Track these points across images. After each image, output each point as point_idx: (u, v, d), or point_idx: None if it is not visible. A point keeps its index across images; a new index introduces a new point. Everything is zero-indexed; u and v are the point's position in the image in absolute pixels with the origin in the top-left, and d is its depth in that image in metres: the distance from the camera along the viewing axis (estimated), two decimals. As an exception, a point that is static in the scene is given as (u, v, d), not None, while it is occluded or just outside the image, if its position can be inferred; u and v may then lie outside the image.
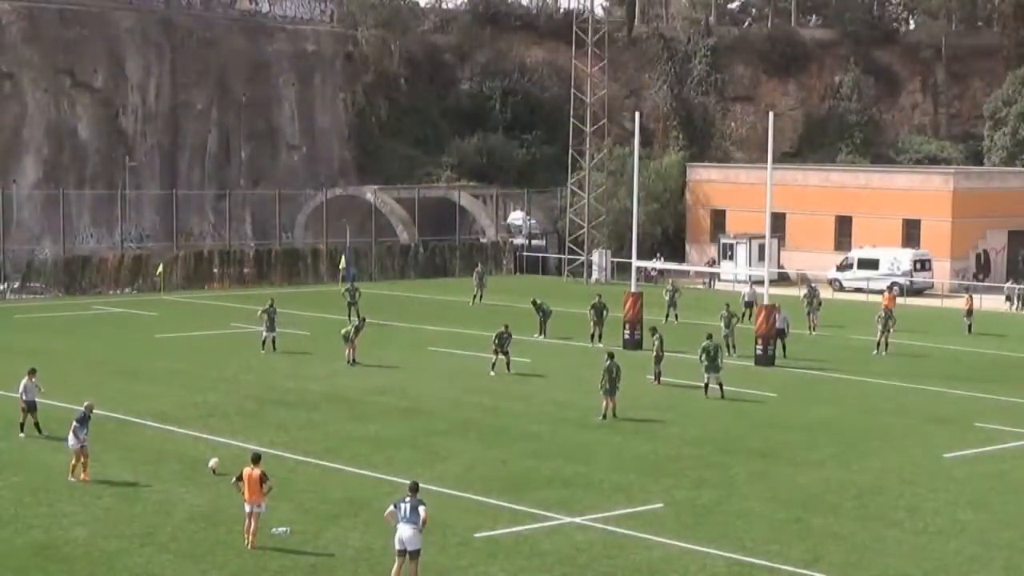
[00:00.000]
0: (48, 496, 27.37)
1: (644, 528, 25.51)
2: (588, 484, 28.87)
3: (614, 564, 23.38)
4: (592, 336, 49.82)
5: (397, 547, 21.85)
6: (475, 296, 63.79)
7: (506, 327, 43.47)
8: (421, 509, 21.74)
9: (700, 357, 39.44)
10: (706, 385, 39.32)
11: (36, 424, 32.85)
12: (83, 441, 28.77)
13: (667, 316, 55.96)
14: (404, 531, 21.75)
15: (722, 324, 47.65)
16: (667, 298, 56.98)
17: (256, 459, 24.44)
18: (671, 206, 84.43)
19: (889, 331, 49.19)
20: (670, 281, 62.23)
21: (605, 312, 49.93)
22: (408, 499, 21.93)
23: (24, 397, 32.89)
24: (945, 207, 74.73)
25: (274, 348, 47.04)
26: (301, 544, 24.28)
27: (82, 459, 28.80)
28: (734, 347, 47.08)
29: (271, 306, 48.24)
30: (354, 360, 44.30)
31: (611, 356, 36.45)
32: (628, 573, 23.01)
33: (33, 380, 33.12)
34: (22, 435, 32.79)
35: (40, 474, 29.17)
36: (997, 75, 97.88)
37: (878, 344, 49.04)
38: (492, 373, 42.52)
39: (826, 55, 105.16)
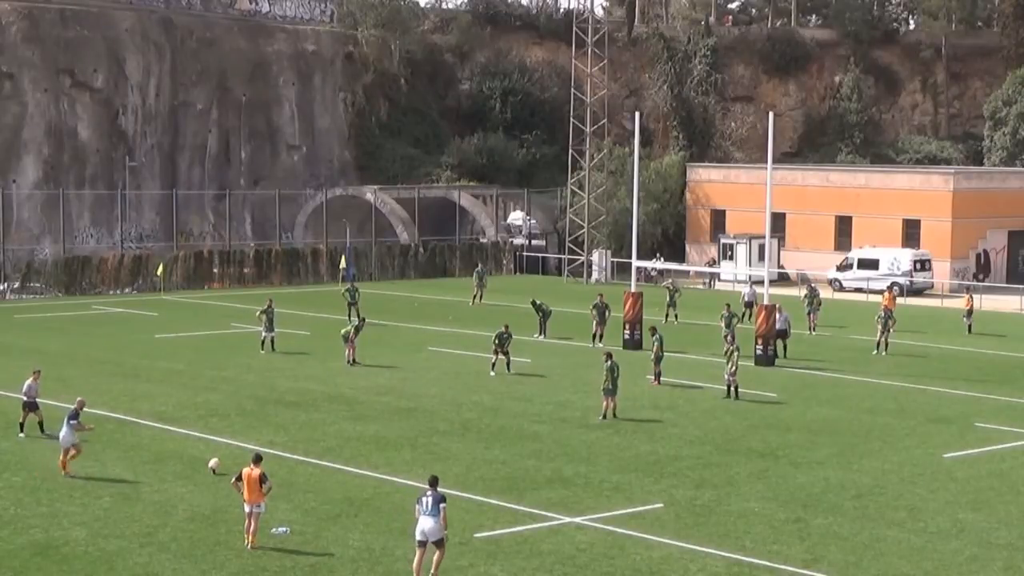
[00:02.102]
0: (48, 496, 27.37)
1: (644, 528, 25.51)
2: (588, 484, 28.87)
3: (614, 564, 23.38)
4: (594, 336, 49.78)
5: (418, 538, 22.28)
6: (475, 296, 63.76)
7: (506, 327, 43.46)
8: (442, 506, 22.22)
9: (732, 358, 39.41)
10: (730, 387, 39.33)
11: (40, 423, 32.82)
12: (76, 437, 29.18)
13: (667, 316, 55.96)
14: (425, 523, 22.23)
15: (723, 324, 47.64)
16: (667, 298, 56.98)
17: (257, 459, 24.45)
18: (671, 206, 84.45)
19: (889, 331, 49.21)
20: (670, 281, 62.19)
21: (607, 312, 49.90)
22: (429, 493, 22.37)
23: (26, 397, 32.88)
24: (945, 207, 74.75)
25: (272, 348, 47.04)
26: (301, 544, 24.28)
27: (72, 454, 29.00)
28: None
29: (270, 306, 48.26)
30: (354, 360, 44.30)
31: (609, 356, 36.45)
32: (628, 573, 23.01)
33: (37, 381, 33.10)
34: (22, 435, 32.78)
35: (40, 474, 29.16)
36: (997, 75, 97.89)
37: (878, 344, 49.06)
38: (492, 373, 42.53)
39: (826, 55, 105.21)
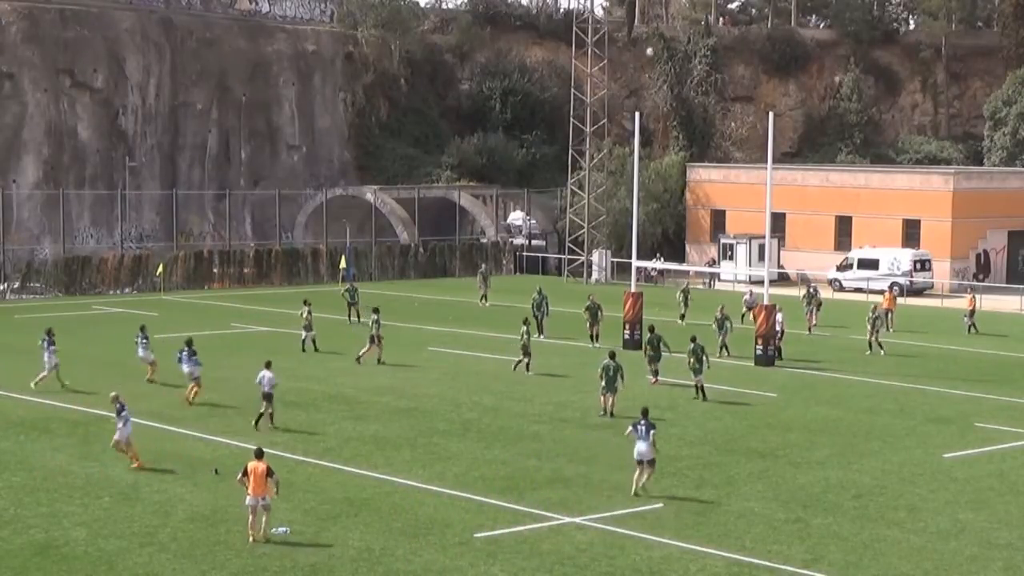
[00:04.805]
0: (48, 496, 27.38)
1: (644, 528, 25.51)
2: (588, 484, 28.88)
3: (614, 564, 23.38)
4: (591, 337, 49.70)
5: (636, 458, 27.79)
6: (482, 296, 63.50)
7: (526, 321, 43.51)
8: (652, 432, 27.64)
9: (688, 360, 39.29)
10: (697, 388, 39.21)
11: (271, 415, 33.99)
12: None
13: (682, 316, 55.93)
14: (640, 447, 27.71)
15: (715, 327, 47.50)
16: (679, 299, 57.01)
17: (259, 454, 24.72)
18: (671, 206, 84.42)
19: (878, 330, 48.98)
20: (686, 283, 62.18)
21: (600, 313, 49.80)
22: (643, 423, 27.82)
23: (267, 388, 34.04)
24: (945, 207, 74.74)
25: (315, 348, 46.89)
26: (301, 544, 24.28)
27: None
28: (727, 348, 46.99)
29: (309, 310, 48.21)
30: (360, 359, 44.30)
31: (612, 355, 36.51)
32: (628, 573, 23.02)
33: (271, 372, 34.30)
34: (259, 430, 33.63)
35: (40, 474, 29.19)
36: (997, 75, 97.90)
37: (869, 344, 48.85)
38: (518, 371, 42.53)
39: (826, 55, 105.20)
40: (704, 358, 39.29)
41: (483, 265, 69.72)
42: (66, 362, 43.59)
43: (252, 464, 24.46)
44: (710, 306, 58.01)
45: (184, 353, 37.92)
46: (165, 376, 39.92)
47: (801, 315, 54.48)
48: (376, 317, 45.79)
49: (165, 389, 39.57)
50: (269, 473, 24.31)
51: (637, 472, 27.79)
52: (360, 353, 44.62)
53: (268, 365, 34.67)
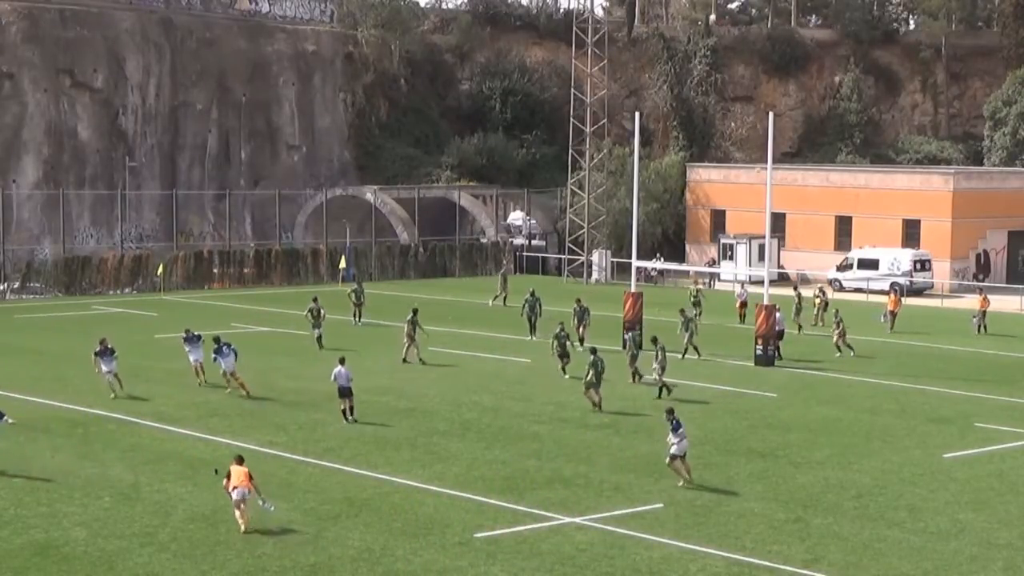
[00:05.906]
0: (48, 496, 27.38)
1: (644, 528, 25.52)
2: (588, 484, 28.89)
3: (614, 564, 23.38)
4: (581, 340, 49.31)
5: (675, 452, 28.86)
6: (504, 296, 63.21)
7: (561, 326, 43.42)
8: (681, 430, 28.79)
9: (656, 357, 39.41)
10: (662, 386, 39.19)
11: (351, 408, 34.94)
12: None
13: (697, 315, 55.86)
14: (682, 445, 28.86)
15: (680, 326, 47.20)
16: (693, 299, 56.96)
17: (240, 460, 25.53)
18: (671, 206, 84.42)
19: (844, 333, 48.16)
20: (700, 283, 62.52)
21: (587, 315, 49.54)
22: (675, 420, 28.94)
23: (337, 383, 35.01)
24: (945, 207, 74.75)
25: (320, 347, 46.93)
26: (301, 544, 24.29)
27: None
28: (696, 348, 46.54)
29: (320, 307, 48.41)
30: (405, 358, 44.51)
31: (594, 351, 37.33)
32: (628, 573, 23.02)
33: (345, 368, 35.20)
34: (345, 423, 34.53)
35: (40, 474, 29.17)
36: (997, 75, 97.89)
37: (842, 346, 48.05)
38: (566, 376, 42.30)
39: (826, 55, 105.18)
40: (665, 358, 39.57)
41: (504, 266, 69.73)
42: (65, 362, 43.74)
43: (234, 467, 25.19)
44: (708, 307, 58.13)
45: (223, 349, 38.37)
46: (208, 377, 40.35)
47: (804, 316, 54.38)
48: (412, 316, 45.84)
49: (166, 390, 39.56)
50: (250, 477, 25.00)
51: (678, 466, 28.90)
52: (404, 353, 44.78)
53: (342, 361, 35.47)
